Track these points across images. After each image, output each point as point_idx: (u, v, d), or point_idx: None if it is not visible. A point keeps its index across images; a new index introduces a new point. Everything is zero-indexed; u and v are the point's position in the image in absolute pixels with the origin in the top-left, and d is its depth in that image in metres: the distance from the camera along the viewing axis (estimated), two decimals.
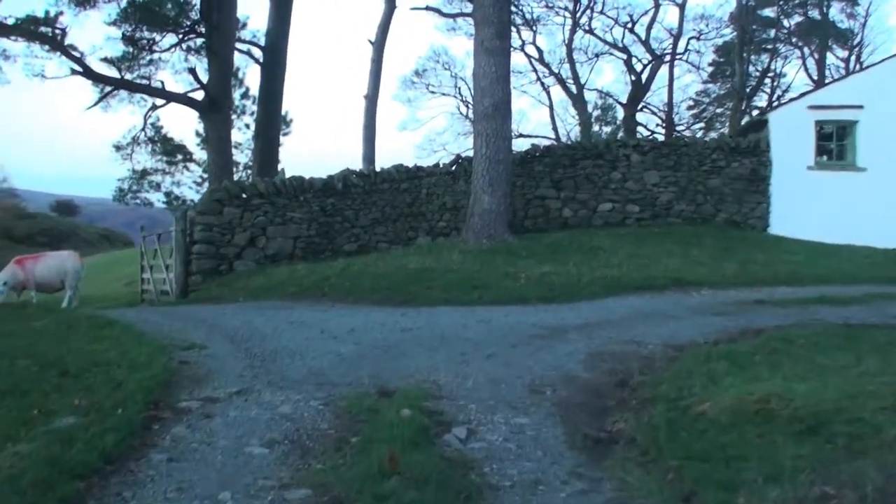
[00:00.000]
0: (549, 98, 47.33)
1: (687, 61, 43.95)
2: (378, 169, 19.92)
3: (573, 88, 44.95)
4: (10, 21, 18.26)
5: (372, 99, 33.38)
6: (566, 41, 43.46)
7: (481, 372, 6.85)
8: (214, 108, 22.54)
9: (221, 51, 22.79)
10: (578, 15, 42.68)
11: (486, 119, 17.08)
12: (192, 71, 23.23)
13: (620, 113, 45.55)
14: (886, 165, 19.58)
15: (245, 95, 33.50)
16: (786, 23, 44.54)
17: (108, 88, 23.42)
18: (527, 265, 14.42)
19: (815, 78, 43.54)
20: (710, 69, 46.81)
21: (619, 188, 19.95)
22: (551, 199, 19.93)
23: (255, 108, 27.71)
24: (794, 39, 44.53)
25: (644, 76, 43.15)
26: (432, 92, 45.94)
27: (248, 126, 32.52)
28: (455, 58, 71.89)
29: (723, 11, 43.43)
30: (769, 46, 45.24)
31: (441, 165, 20.13)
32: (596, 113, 47.40)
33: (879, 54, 40.92)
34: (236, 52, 27.22)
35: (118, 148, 26.69)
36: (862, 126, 20.08)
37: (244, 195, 17.28)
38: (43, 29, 18.85)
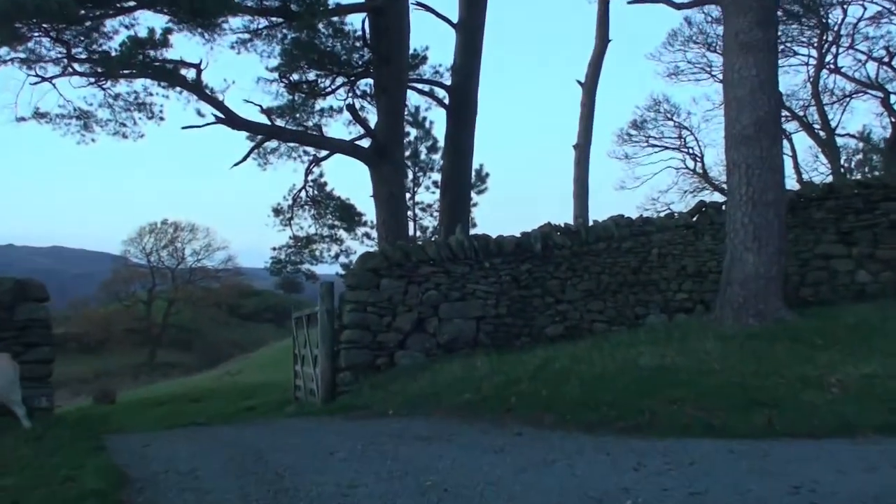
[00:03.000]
0: (792, 146, 41.05)
1: None
2: (590, 223, 15.50)
3: (822, 134, 38.70)
4: (115, 53, 15.32)
5: (583, 149, 29.01)
6: (810, 79, 37.30)
7: None
8: (384, 156, 18.71)
9: (391, 87, 19.21)
10: (824, 50, 36.57)
11: (745, 143, 12.21)
12: (352, 108, 19.47)
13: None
14: None
15: (433, 148, 30.17)
16: None
17: (257, 138, 20.43)
18: (830, 360, 9.29)
19: None
20: None
21: None
22: (839, 257, 14.50)
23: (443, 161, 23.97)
24: None
25: None
26: (653, 146, 40.85)
27: (437, 185, 28.97)
28: (679, 105, 65.00)
29: None
30: None
31: (677, 215, 15.30)
32: (857, 158, 40.56)
33: None
34: (416, 94, 23.94)
35: (277, 212, 23.74)
36: None
37: (409, 262, 13.36)
38: (154, 56, 15.87)
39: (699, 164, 40.14)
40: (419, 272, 13.35)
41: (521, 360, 11.08)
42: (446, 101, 22.51)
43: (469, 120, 21.88)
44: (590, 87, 29.41)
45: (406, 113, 24.83)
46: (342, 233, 25.07)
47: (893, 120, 37.08)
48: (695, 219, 14.92)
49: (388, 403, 10.68)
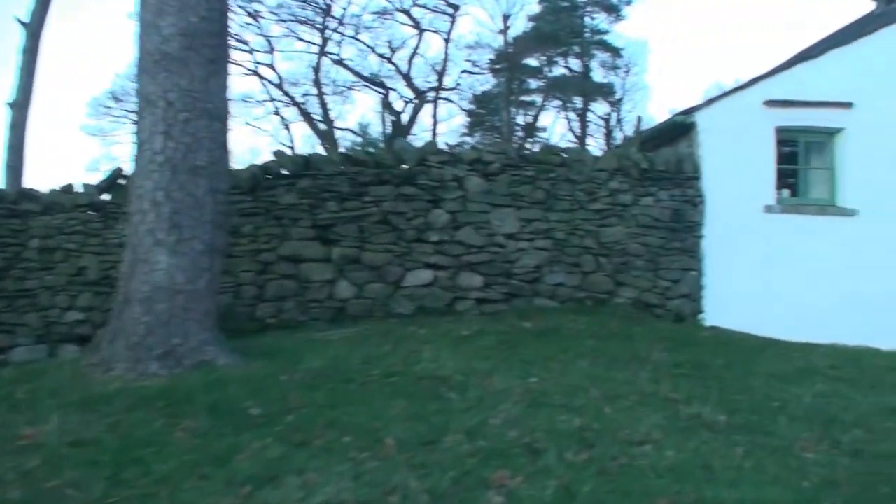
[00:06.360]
0: (290, 134, 39.23)
1: (451, 101, 39.30)
2: None
3: (321, 125, 37.10)
4: None
5: (21, 108, 22.64)
6: (315, 65, 35.30)
7: None
8: None
9: None
10: (329, 34, 34.77)
11: (166, 66, 7.48)
12: None
13: None
14: (889, 205, 12.45)
15: None
16: (546, 73, 40.56)
17: None
18: (257, 464, 4.88)
19: (578, 133, 40.45)
20: (467, 120, 41.79)
21: (446, 241, 11.03)
22: (313, 261, 10.57)
23: None
24: (554, 92, 40.40)
25: (406, 116, 36.99)
26: (135, 122, 35.49)
27: None
28: None
29: (482, 53, 39.05)
30: (526, 99, 41.12)
31: (83, 189, 10.17)
32: (356, 151, 39.64)
33: (638, 111, 38.67)
34: None
35: None
36: (849, 137, 12.74)
37: None
38: None
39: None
40: None
41: None
42: None
43: None
44: (35, 28, 23.14)
45: None
46: None
47: (392, 118, 37.00)
48: (106, 196, 10.02)
49: None
